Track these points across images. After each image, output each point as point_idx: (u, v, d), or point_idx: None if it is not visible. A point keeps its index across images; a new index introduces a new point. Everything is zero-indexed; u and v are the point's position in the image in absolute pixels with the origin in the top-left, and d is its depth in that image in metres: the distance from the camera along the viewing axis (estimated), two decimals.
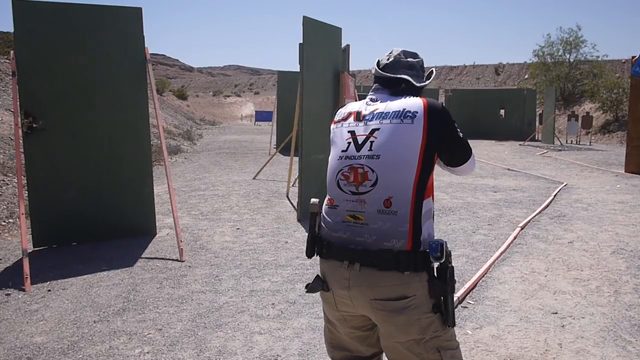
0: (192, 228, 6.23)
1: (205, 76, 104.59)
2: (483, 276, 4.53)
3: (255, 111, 38.18)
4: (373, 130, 1.84)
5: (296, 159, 7.39)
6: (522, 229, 6.21)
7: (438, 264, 1.78)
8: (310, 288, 1.92)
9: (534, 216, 6.93)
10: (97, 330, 3.46)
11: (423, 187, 1.79)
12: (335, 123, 2.01)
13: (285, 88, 16.04)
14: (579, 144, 22.14)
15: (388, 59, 2.01)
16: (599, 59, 31.10)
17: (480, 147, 17.95)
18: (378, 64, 2.03)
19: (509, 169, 12.27)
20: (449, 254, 1.78)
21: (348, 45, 9.27)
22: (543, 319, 3.69)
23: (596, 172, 12.18)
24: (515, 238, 5.79)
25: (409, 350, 1.82)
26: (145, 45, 5.58)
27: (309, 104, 6.60)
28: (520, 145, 20.58)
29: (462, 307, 3.88)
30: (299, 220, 6.66)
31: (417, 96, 1.89)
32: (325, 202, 1.94)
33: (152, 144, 6.66)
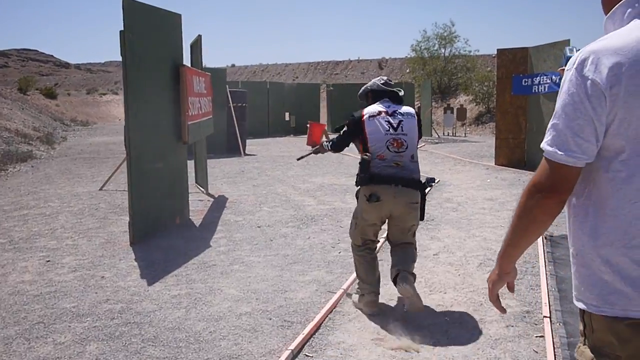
0: None
1: (83, 73, 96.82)
2: (330, 313, 3.75)
3: None
4: (400, 121, 3.68)
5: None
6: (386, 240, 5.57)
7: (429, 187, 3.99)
8: (372, 199, 3.55)
9: None
10: None
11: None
12: (370, 117, 3.69)
13: None
14: (455, 136, 22.72)
15: (382, 82, 3.87)
16: (472, 54, 32.28)
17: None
18: (376, 84, 3.89)
19: None
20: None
21: (200, 36, 8.25)
22: None
23: (468, 165, 12.18)
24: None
25: (410, 229, 3.82)
26: None
27: (137, 105, 5.50)
28: None
29: None
30: (131, 244, 5.53)
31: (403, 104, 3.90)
32: (376, 158, 3.60)
33: None
